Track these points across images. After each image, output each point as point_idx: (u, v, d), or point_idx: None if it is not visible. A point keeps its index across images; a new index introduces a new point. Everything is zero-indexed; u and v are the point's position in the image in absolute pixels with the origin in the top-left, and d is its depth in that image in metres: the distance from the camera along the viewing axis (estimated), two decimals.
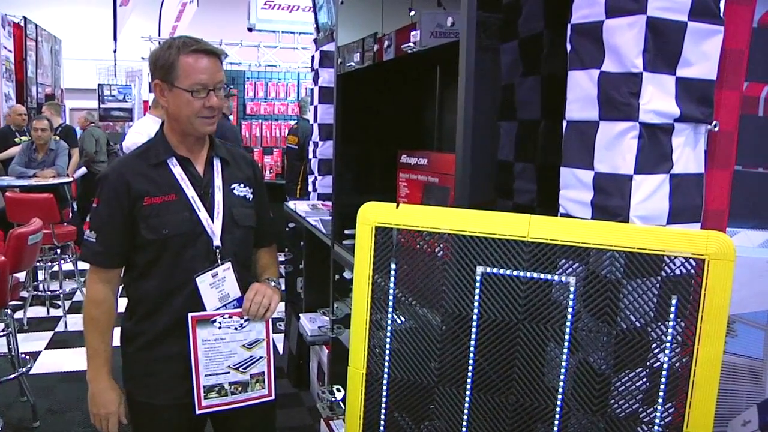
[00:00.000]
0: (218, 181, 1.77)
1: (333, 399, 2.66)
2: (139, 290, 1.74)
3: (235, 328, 1.71)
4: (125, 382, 1.80)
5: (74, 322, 5.02)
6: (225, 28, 9.31)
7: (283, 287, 4.30)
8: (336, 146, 2.71)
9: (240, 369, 1.74)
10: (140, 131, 5.76)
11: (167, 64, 1.64)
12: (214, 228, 1.72)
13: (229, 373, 1.72)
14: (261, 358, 1.76)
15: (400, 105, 2.67)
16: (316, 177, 4.21)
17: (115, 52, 10.54)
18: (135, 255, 1.72)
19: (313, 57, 4.27)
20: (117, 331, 1.80)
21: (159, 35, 9.60)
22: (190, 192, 1.71)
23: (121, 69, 10.52)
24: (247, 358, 1.74)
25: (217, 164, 1.78)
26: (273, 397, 1.81)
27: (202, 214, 1.71)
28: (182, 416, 1.75)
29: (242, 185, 1.81)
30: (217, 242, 1.72)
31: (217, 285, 1.72)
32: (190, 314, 1.67)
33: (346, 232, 2.59)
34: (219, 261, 1.72)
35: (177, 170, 1.72)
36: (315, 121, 4.17)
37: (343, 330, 2.91)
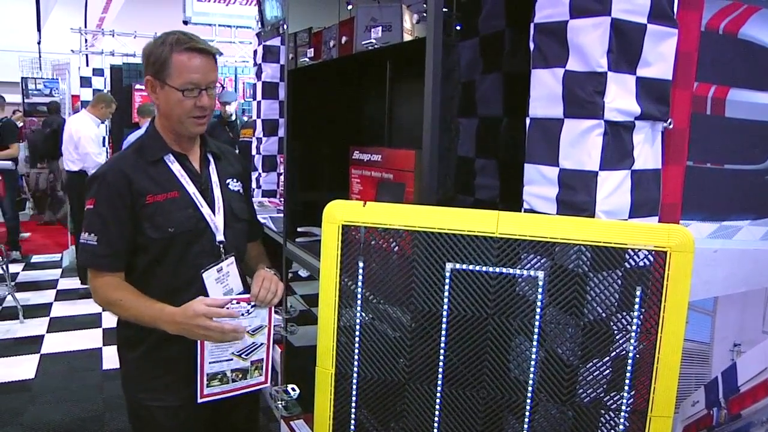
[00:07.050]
0: (214, 177, 1.75)
1: (289, 398, 2.64)
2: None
3: (242, 315, 1.69)
4: (128, 389, 1.74)
5: (6, 330, 4.79)
6: (159, 21, 9.00)
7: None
8: (287, 143, 2.68)
9: (242, 356, 1.73)
10: (88, 133, 5.65)
11: (159, 61, 1.59)
12: (217, 223, 1.70)
13: (232, 360, 1.71)
14: (262, 344, 1.75)
15: (347, 101, 2.67)
16: (260, 174, 4.15)
17: (39, 43, 10.03)
18: (135, 257, 1.65)
19: (255, 51, 4.19)
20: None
21: (85, 27, 9.22)
22: (191, 188, 1.68)
23: (47, 62, 9.99)
24: (250, 344, 1.73)
25: (211, 160, 1.77)
26: (268, 384, 1.81)
27: (205, 210, 1.69)
28: (191, 413, 1.72)
29: (235, 180, 1.81)
30: (220, 237, 1.71)
31: (221, 280, 1.71)
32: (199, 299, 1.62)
33: (299, 229, 2.57)
34: (223, 255, 1.71)
35: (175, 167, 1.68)
36: (258, 117, 4.12)
37: (297, 328, 2.89)
